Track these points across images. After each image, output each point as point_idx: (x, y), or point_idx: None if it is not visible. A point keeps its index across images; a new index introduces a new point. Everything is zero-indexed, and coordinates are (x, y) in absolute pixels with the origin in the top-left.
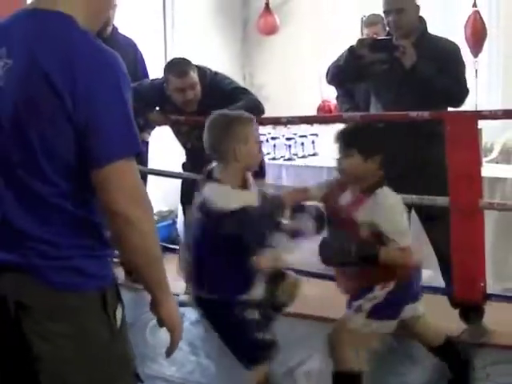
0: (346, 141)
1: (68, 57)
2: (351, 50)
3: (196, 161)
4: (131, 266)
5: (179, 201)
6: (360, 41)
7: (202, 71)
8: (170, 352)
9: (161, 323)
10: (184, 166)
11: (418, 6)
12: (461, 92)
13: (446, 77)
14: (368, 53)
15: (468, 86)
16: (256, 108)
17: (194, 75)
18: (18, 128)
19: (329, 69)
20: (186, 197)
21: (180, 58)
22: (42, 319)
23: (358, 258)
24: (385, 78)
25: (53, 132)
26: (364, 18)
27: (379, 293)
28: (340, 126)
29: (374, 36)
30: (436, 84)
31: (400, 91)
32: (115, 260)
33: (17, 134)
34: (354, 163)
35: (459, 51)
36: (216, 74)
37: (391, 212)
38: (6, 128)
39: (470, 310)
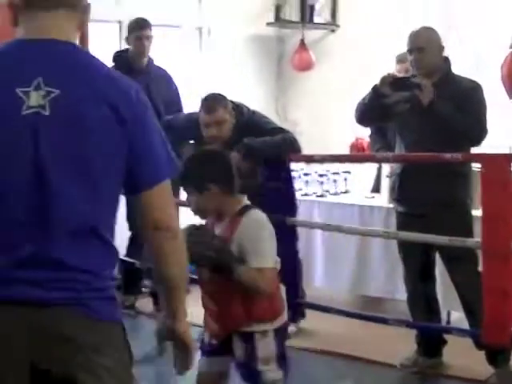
0: (182, 183)
1: (114, 86)
2: (375, 88)
3: None
4: (167, 282)
5: None
6: (381, 79)
7: (239, 109)
8: (185, 367)
9: (173, 337)
10: None
11: (442, 46)
12: (479, 132)
13: (466, 116)
14: (389, 91)
15: (487, 126)
16: (292, 145)
17: (223, 112)
18: (71, 156)
19: (356, 108)
20: None
21: (215, 94)
22: (87, 351)
23: (214, 264)
24: (407, 117)
25: (113, 158)
26: (397, 57)
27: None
28: (373, 165)
29: (394, 74)
30: (454, 123)
31: (421, 130)
32: (144, 290)
33: (69, 162)
34: (197, 200)
35: (480, 91)
36: (254, 112)
37: (253, 232)
38: (54, 156)
39: (498, 353)
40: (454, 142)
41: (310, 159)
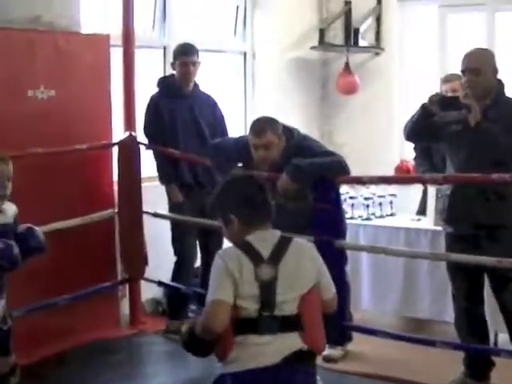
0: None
1: None
2: (423, 106)
3: (277, 220)
4: None
5: None
6: (430, 98)
7: (289, 132)
8: None
9: None
10: None
11: (497, 68)
12: None
13: None
14: (438, 109)
15: None
16: (341, 167)
17: (271, 136)
18: None
19: (405, 125)
20: None
21: (266, 117)
22: None
23: (186, 345)
24: (457, 138)
25: None
26: (442, 79)
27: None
28: (418, 188)
29: (442, 93)
30: (501, 143)
31: (470, 151)
32: (190, 315)
33: None
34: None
35: None
36: (305, 136)
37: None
38: None
39: None
40: (503, 162)
41: (358, 180)
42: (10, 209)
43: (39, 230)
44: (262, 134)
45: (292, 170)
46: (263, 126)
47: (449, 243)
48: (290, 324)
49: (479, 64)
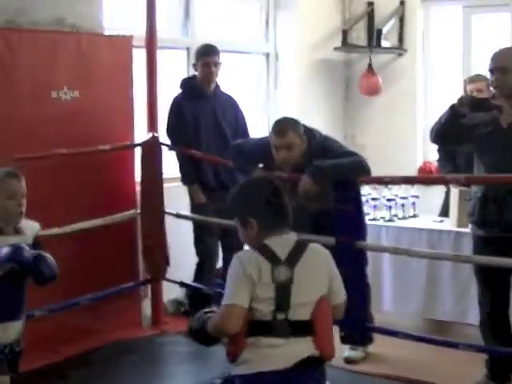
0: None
1: None
2: (452, 107)
3: (298, 221)
4: None
5: None
6: (460, 98)
7: (311, 133)
8: None
9: None
10: None
11: None
12: None
13: None
14: (468, 111)
15: None
16: (362, 167)
17: (293, 136)
18: None
19: (432, 127)
20: None
21: (287, 118)
22: None
23: (194, 334)
24: (486, 140)
25: None
26: (467, 79)
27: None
28: (441, 189)
29: (474, 95)
30: None
31: (501, 153)
32: None
33: None
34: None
35: None
36: (326, 137)
37: (229, 269)
38: None
39: None
40: None
41: (380, 181)
42: (31, 228)
43: (49, 256)
44: (283, 135)
45: (313, 172)
46: (285, 126)
47: (478, 246)
48: (303, 329)
49: (507, 63)
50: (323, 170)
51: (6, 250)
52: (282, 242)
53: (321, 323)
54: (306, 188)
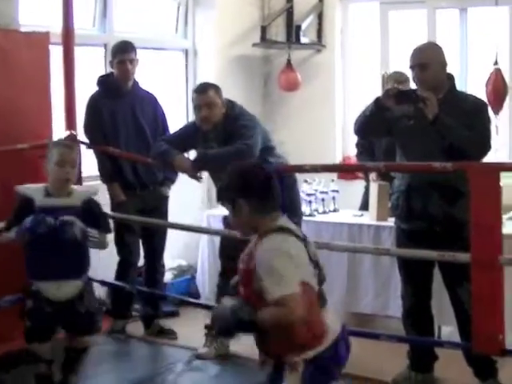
0: (219, 198)
1: None
2: (377, 100)
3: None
4: None
5: (199, 255)
6: (385, 91)
7: (231, 103)
8: None
9: None
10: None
11: (445, 63)
12: (483, 148)
13: (471, 133)
14: (393, 104)
15: (491, 142)
16: (242, 154)
17: (214, 95)
18: None
19: (356, 119)
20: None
21: (208, 82)
22: None
23: (236, 326)
24: (410, 133)
25: None
26: (385, 75)
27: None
28: (360, 184)
29: (400, 87)
30: (458, 138)
31: (424, 146)
32: (134, 314)
33: None
34: (232, 218)
35: (485, 108)
36: (243, 114)
37: (268, 256)
38: None
39: (484, 367)
40: (457, 158)
41: (300, 169)
42: (84, 192)
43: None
44: (204, 92)
45: (197, 157)
46: (206, 85)
47: (402, 239)
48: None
49: (427, 59)
50: (207, 159)
51: (28, 220)
52: (289, 221)
53: None
54: (182, 167)
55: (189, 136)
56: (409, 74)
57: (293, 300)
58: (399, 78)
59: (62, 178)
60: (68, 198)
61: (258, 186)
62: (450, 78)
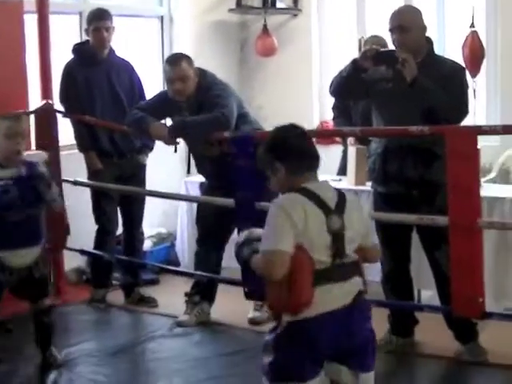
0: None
1: None
2: (354, 61)
3: (199, 165)
4: None
5: (178, 223)
6: (364, 52)
7: (202, 71)
8: None
9: None
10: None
11: (425, 27)
12: (461, 112)
13: (448, 96)
14: (371, 65)
15: (468, 107)
16: (221, 123)
17: (187, 67)
18: None
19: (333, 80)
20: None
21: (180, 53)
22: None
23: (239, 260)
24: (387, 95)
25: None
26: (362, 39)
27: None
28: (338, 148)
29: (378, 48)
30: (436, 101)
31: (402, 107)
32: (114, 283)
33: None
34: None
35: (463, 72)
36: (215, 82)
37: (270, 210)
38: None
39: (465, 331)
40: (434, 121)
41: None
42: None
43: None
44: (177, 64)
45: (174, 125)
46: (178, 56)
47: (379, 203)
48: (355, 269)
49: (406, 22)
50: (184, 125)
51: None
52: (325, 188)
53: (361, 262)
54: (158, 134)
55: (162, 105)
56: (386, 38)
57: (274, 256)
58: (377, 42)
59: (13, 149)
60: (17, 168)
61: (290, 148)
62: (429, 41)
